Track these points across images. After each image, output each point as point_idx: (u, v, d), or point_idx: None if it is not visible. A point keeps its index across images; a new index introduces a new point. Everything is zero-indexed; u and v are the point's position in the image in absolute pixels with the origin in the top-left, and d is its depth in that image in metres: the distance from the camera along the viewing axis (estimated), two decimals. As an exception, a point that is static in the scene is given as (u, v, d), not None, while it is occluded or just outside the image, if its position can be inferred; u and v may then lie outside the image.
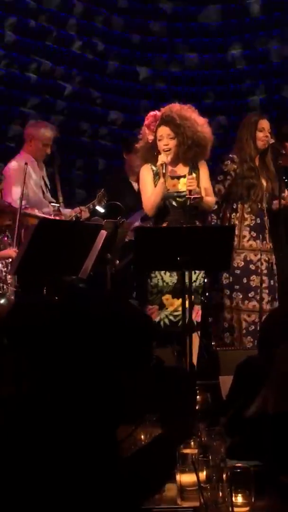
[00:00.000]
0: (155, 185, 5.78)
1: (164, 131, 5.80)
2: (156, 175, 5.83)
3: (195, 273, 5.58)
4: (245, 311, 6.20)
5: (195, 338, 5.64)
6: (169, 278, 5.77)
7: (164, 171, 5.69)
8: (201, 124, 5.85)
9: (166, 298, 5.79)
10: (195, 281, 5.59)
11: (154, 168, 5.86)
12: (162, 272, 5.75)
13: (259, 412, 2.84)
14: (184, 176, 5.84)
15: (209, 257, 5.33)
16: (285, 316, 3.41)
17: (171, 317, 5.78)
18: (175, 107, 5.90)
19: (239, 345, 6.12)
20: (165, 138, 5.78)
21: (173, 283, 5.76)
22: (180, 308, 5.58)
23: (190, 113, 5.87)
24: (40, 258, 5.31)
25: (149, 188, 5.83)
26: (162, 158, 5.74)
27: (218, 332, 6.38)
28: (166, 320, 5.75)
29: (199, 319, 5.81)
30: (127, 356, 1.84)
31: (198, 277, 5.77)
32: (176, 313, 5.75)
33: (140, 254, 5.37)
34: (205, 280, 6.06)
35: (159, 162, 5.75)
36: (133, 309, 1.94)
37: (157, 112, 5.90)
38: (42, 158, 6.63)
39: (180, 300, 5.53)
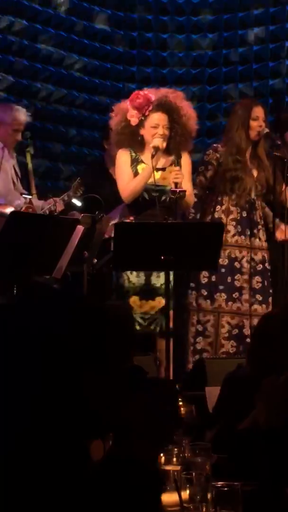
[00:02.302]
0: (133, 172, 5.75)
1: (161, 120, 5.73)
2: (135, 161, 5.80)
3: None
4: (228, 313, 6.17)
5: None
6: (136, 278, 5.75)
7: (154, 153, 5.59)
8: (193, 116, 5.85)
9: (133, 300, 5.75)
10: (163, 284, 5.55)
11: (133, 154, 5.82)
12: (128, 272, 5.72)
13: (253, 425, 2.83)
14: (164, 169, 5.80)
15: (195, 256, 5.31)
16: (283, 320, 3.40)
17: (140, 320, 5.73)
18: (171, 93, 5.88)
19: (214, 352, 6.10)
20: (161, 127, 5.72)
21: (140, 284, 5.74)
22: (151, 311, 5.65)
23: (185, 102, 5.87)
24: (10, 255, 5.25)
25: (127, 173, 5.77)
26: (157, 141, 5.67)
27: (187, 337, 6.32)
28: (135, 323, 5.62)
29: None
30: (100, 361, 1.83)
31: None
32: (146, 316, 5.73)
33: (119, 252, 5.34)
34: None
35: (153, 144, 5.64)
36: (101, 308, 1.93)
37: (146, 93, 5.80)
38: (12, 145, 6.53)
39: (150, 301, 5.62)
